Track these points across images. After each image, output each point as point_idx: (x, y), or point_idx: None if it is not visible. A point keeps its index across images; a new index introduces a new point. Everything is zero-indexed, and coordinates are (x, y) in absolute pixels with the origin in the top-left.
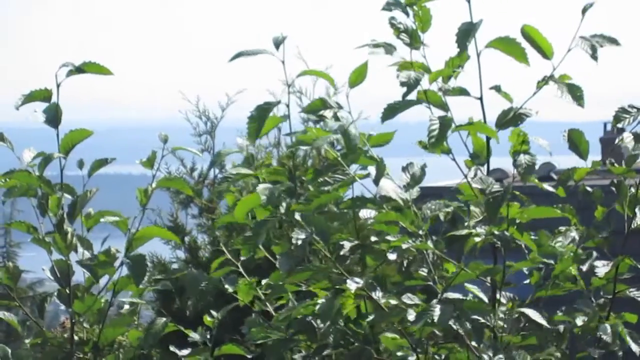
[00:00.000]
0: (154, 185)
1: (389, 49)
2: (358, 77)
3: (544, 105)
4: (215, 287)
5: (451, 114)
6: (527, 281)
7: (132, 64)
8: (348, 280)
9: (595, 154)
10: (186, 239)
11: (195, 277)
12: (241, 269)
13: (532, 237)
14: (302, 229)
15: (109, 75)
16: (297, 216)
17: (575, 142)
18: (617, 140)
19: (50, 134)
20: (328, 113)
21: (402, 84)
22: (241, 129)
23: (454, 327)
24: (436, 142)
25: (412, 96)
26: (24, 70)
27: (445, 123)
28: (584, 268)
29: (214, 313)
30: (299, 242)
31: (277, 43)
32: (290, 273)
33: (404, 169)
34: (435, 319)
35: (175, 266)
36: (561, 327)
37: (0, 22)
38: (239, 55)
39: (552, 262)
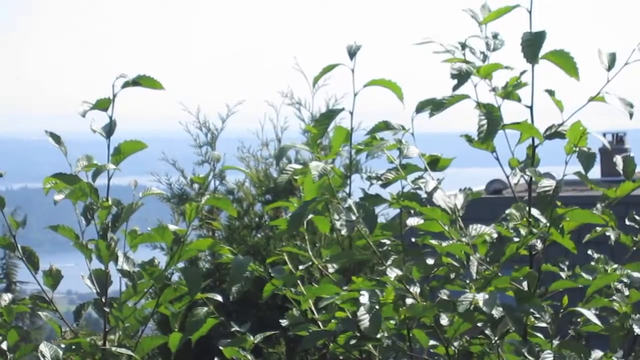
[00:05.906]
0: (203, 202)
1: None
2: (424, 106)
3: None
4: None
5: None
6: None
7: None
8: (388, 270)
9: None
10: None
11: (240, 262)
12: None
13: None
14: (350, 213)
15: (161, 89)
16: (350, 201)
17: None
18: None
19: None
20: (390, 135)
21: (453, 75)
22: (242, 139)
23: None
24: (485, 137)
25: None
26: (21, 85)
27: (494, 119)
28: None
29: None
30: (344, 225)
31: (352, 52)
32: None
33: (461, 190)
34: (481, 303)
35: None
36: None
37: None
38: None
39: (590, 278)
